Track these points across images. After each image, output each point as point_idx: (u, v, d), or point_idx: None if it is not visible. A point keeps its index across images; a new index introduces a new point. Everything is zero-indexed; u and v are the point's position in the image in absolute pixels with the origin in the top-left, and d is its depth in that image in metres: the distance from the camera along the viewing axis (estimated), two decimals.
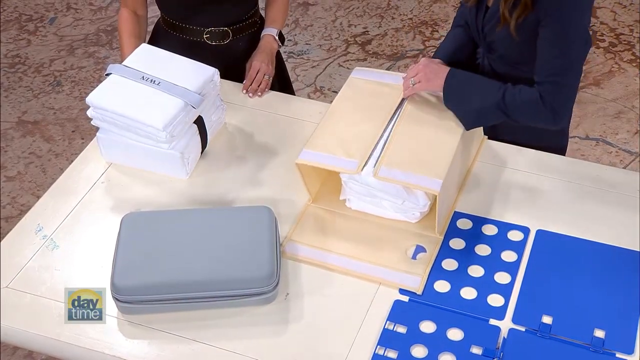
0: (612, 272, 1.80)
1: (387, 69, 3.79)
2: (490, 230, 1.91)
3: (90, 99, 2.02)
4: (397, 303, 1.76)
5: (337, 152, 1.89)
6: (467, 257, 1.85)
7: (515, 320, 1.72)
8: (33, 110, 3.72)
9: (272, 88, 2.36)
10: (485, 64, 2.09)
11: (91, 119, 2.06)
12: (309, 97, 3.61)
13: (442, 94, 1.97)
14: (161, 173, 2.07)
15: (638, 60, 3.81)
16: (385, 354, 1.67)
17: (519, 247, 1.87)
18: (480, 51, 2.12)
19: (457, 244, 1.88)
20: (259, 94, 2.30)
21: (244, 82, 2.32)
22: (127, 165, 2.10)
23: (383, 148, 1.88)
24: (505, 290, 1.78)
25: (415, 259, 1.85)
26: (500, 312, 1.74)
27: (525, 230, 1.90)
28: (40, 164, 3.45)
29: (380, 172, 1.83)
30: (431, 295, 1.77)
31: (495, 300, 1.76)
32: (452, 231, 1.91)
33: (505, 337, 1.69)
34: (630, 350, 1.66)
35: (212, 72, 2.09)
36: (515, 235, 1.89)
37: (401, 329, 1.71)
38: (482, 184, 2.02)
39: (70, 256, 1.89)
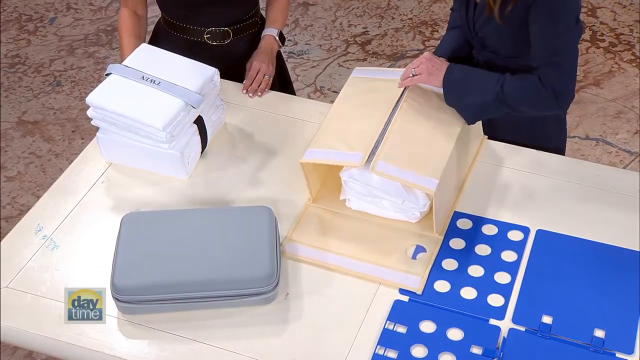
0: (612, 272, 1.80)
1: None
2: (490, 230, 1.91)
3: (90, 99, 2.02)
4: (397, 303, 1.76)
5: (340, 148, 1.88)
6: (467, 257, 1.85)
7: (515, 320, 1.72)
8: (33, 110, 3.71)
9: (273, 88, 2.36)
10: (481, 61, 2.09)
11: (91, 119, 2.06)
12: (309, 97, 3.61)
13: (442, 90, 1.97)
14: (161, 173, 2.07)
15: (638, 60, 3.80)
16: (385, 354, 1.67)
17: (519, 247, 1.87)
18: (475, 49, 2.12)
19: (457, 244, 1.88)
20: (259, 94, 2.30)
21: (244, 82, 2.32)
22: (127, 165, 2.10)
23: (380, 142, 1.88)
24: (505, 290, 1.78)
25: (415, 259, 1.85)
26: (500, 312, 1.74)
27: (525, 230, 1.90)
28: (40, 164, 3.44)
29: (377, 166, 1.82)
30: (431, 295, 1.77)
31: (495, 300, 1.76)
32: (452, 231, 1.91)
33: (505, 337, 1.69)
34: (630, 350, 1.66)
35: (212, 72, 2.09)
36: (515, 235, 1.89)
37: (401, 329, 1.71)
38: (482, 183, 2.02)
39: (70, 256, 1.89)
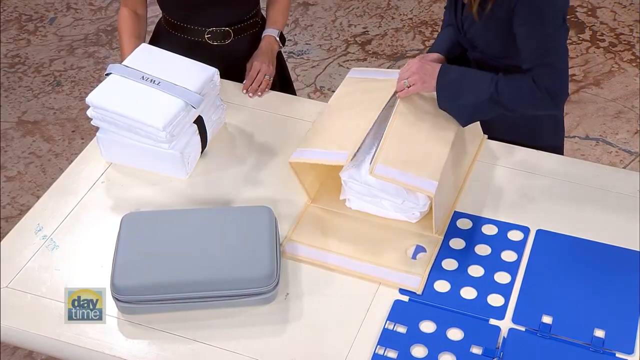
0: (612, 272, 1.80)
1: (387, 68, 3.79)
2: (490, 230, 1.91)
3: (90, 98, 2.02)
4: (397, 303, 1.76)
5: (329, 147, 1.88)
6: (467, 257, 1.85)
7: (515, 320, 1.72)
8: (33, 110, 3.71)
9: (273, 88, 2.36)
10: (472, 60, 2.09)
11: (91, 119, 2.06)
12: (308, 97, 3.61)
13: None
14: (161, 173, 2.07)
15: (638, 60, 3.80)
16: (385, 354, 1.67)
17: (519, 247, 1.87)
18: (467, 49, 2.12)
19: (457, 243, 1.88)
20: (259, 93, 2.30)
21: (244, 82, 2.32)
22: (127, 165, 2.10)
23: (378, 144, 1.88)
24: (505, 290, 1.78)
25: (415, 259, 1.85)
26: (500, 312, 1.74)
27: (525, 230, 1.90)
28: (40, 164, 3.45)
29: (376, 169, 1.83)
30: (431, 295, 1.77)
31: (495, 300, 1.76)
32: (452, 231, 1.91)
33: (505, 337, 1.69)
34: (630, 350, 1.66)
35: (212, 72, 2.09)
36: (515, 235, 1.89)
37: (401, 329, 1.71)
38: (482, 183, 2.02)
39: (70, 256, 1.89)
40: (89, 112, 2.05)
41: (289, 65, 3.46)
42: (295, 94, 2.67)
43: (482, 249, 1.87)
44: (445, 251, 1.86)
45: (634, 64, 3.79)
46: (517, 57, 1.94)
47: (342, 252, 1.86)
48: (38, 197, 2.11)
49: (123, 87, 2.03)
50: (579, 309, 1.73)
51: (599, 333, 1.68)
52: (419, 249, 1.87)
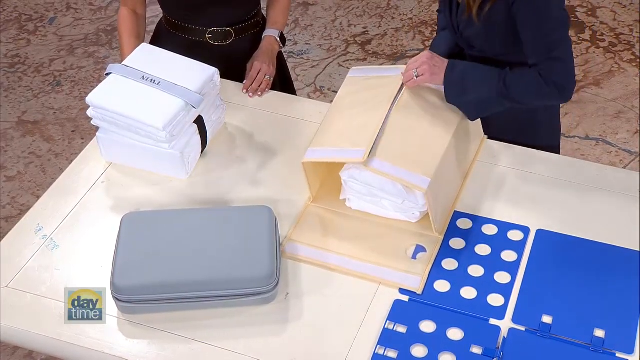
0: (612, 272, 1.80)
1: None
2: (490, 230, 1.91)
3: (90, 98, 2.02)
4: (397, 303, 1.76)
5: (342, 144, 1.88)
6: (467, 256, 1.85)
7: (515, 320, 1.72)
8: (33, 110, 3.71)
9: (274, 88, 2.36)
10: (470, 60, 2.09)
11: (91, 119, 2.06)
12: (308, 97, 3.61)
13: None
14: (161, 173, 2.07)
15: (638, 60, 3.80)
16: (385, 354, 1.67)
17: (519, 246, 1.87)
18: (465, 49, 2.12)
19: (457, 243, 1.88)
20: (259, 93, 2.30)
21: (244, 82, 2.32)
22: (127, 165, 2.10)
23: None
24: (505, 290, 1.78)
25: (415, 258, 1.85)
26: (500, 312, 1.74)
27: (525, 230, 1.90)
28: (40, 164, 3.44)
29: (371, 163, 1.82)
30: (431, 295, 1.77)
31: (495, 300, 1.76)
32: (452, 231, 1.91)
33: (505, 336, 1.69)
34: (630, 350, 1.66)
35: (212, 71, 2.09)
36: (515, 235, 1.89)
37: (401, 329, 1.71)
38: (482, 183, 2.02)
39: (70, 256, 1.89)
40: (89, 112, 2.05)
41: (289, 65, 3.46)
42: (296, 94, 2.68)
43: (482, 249, 1.87)
44: (445, 251, 1.86)
45: (634, 64, 3.79)
46: (515, 54, 1.94)
47: (342, 252, 1.86)
48: (38, 197, 2.11)
49: (123, 87, 2.03)
50: (579, 308, 1.73)
51: (599, 333, 1.68)
52: (419, 249, 1.87)
